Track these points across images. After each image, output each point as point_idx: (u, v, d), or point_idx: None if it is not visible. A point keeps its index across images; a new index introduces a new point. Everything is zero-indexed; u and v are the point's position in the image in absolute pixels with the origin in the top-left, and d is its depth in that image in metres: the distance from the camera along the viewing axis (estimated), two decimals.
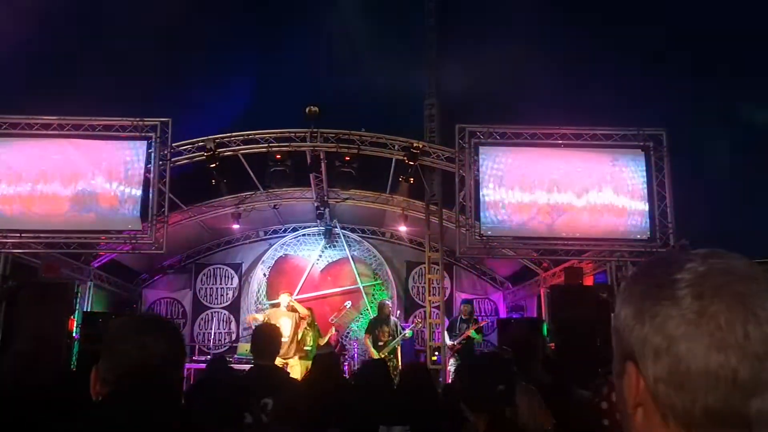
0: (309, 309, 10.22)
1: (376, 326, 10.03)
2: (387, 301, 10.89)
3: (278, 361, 8.27)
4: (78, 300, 10.30)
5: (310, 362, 7.77)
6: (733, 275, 0.75)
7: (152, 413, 1.34)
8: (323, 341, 10.36)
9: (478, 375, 2.73)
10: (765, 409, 0.72)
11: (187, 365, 10.65)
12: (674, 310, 0.74)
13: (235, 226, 12.41)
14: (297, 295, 11.98)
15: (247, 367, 8.28)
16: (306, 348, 9.70)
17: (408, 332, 10.29)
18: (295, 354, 9.26)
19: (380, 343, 9.82)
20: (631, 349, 0.78)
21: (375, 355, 9.64)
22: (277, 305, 10.29)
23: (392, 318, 10.33)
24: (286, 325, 9.16)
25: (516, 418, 2.80)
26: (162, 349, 1.50)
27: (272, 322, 9.05)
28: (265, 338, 3.79)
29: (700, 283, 0.75)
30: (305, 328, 9.82)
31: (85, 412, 1.41)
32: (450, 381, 9.98)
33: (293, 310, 9.59)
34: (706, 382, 0.72)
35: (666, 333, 0.74)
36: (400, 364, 9.72)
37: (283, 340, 8.81)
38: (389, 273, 13.73)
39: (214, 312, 13.52)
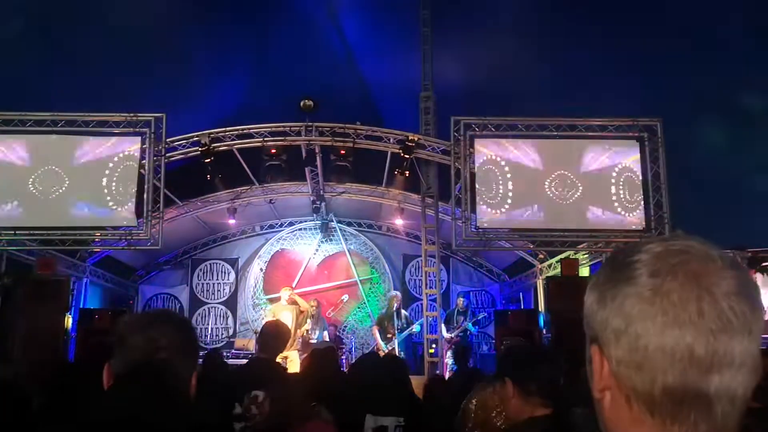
0: (317, 302, 10.20)
1: (385, 319, 10.10)
2: (396, 293, 10.84)
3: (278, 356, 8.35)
4: (74, 296, 10.28)
5: None
6: (688, 254, 0.75)
7: (152, 404, 1.34)
8: (327, 336, 10.39)
9: (533, 362, 2.52)
10: (724, 386, 0.72)
11: None
12: (631, 290, 0.75)
13: (231, 221, 12.39)
14: (294, 289, 11.97)
15: (244, 361, 8.28)
16: (312, 341, 9.71)
17: (416, 327, 10.37)
18: (294, 348, 9.27)
19: (388, 335, 9.89)
20: (595, 334, 0.79)
21: (382, 346, 9.73)
22: (277, 299, 10.32)
23: (403, 311, 10.38)
24: (286, 319, 9.20)
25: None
26: (168, 342, 1.51)
27: (275, 316, 9.10)
28: (272, 334, 3.83)
29: (655, 262, 0.75)
30: (312, 321, 9.82)
31: (88, 404, 1.42)
32: (447, 373, 10.02)
33: (294, 303, 9.61)
34: (663, 360, 0.72)
35: (624, 313, 0.75)
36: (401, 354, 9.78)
37: None
38: (386, 266, 13.74)
39: (211, 307, 13.52)
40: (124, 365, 1.48)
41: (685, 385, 0.72)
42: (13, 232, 9.31)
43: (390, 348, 9.67)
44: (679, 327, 0.72)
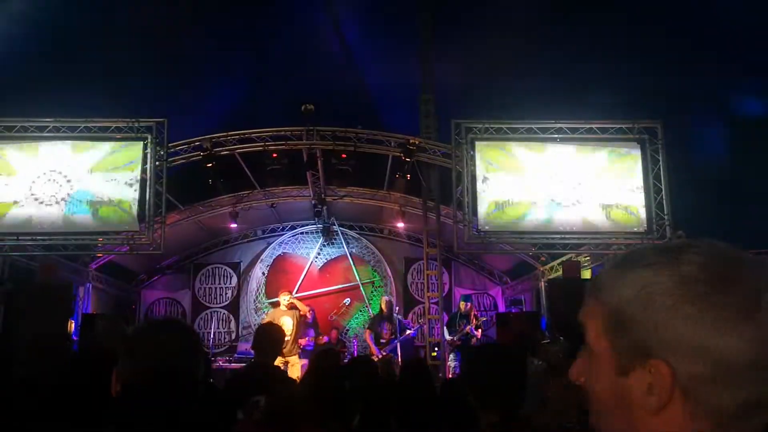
0: (310, 307, 10.22)
1: (377, 323, 10.05)
2: (389, 298, 10.87)
3: (279, 360, 8.35)
4: (76, 302, 10.29)
5: (306, 360, 7.79)
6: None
7: (169, 409, 1.35)
8: (321, 339, 10.38)
9: (486, 366, 2.35)
10: None
11: None
12: (719, 303, 0.72)
13: (233, 226, 12.40)
14: (296, 293, 11.97)
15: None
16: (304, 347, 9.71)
17: (409, 332, 10.34)
18: (295, 352, 9.27)
19: (382, 341, 9.85)
20: (650, 345, 0.74)
21: (375, 351, 9.68)
22: (276, 304, 10.31)
23: (395, 315, 10.35)
24: (287, 324, 9.17)
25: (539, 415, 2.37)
26: (179, 347, 1.53)
27: (274, 321, 9.10)
28: (267, 337, 3.81)
29: (758, 278, 0.74)
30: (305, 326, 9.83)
31: (103, 410, 1.43)
32: (450, 376, 10.02)
33: (294, 308, 9.60)
34: (750, 376, 0.71)
35: (709, 328, 0.72)
36: (400, 360, 9.75)
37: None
38: (388, 269, 13.75)
39: (214, 312, 13.52)
40: (134, 372, 1.49)
41: (761, 398, 0.72)
42: (15, 237, 9.34)
43: (384, 353, 9.63)
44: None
